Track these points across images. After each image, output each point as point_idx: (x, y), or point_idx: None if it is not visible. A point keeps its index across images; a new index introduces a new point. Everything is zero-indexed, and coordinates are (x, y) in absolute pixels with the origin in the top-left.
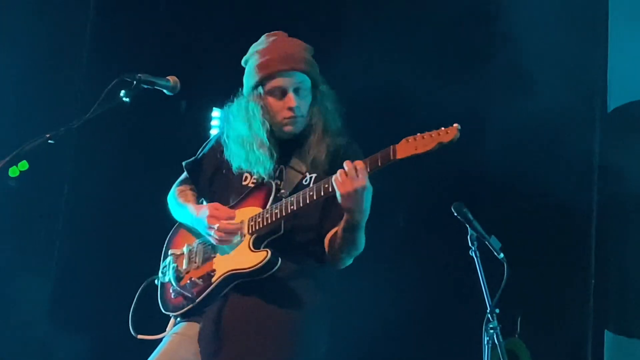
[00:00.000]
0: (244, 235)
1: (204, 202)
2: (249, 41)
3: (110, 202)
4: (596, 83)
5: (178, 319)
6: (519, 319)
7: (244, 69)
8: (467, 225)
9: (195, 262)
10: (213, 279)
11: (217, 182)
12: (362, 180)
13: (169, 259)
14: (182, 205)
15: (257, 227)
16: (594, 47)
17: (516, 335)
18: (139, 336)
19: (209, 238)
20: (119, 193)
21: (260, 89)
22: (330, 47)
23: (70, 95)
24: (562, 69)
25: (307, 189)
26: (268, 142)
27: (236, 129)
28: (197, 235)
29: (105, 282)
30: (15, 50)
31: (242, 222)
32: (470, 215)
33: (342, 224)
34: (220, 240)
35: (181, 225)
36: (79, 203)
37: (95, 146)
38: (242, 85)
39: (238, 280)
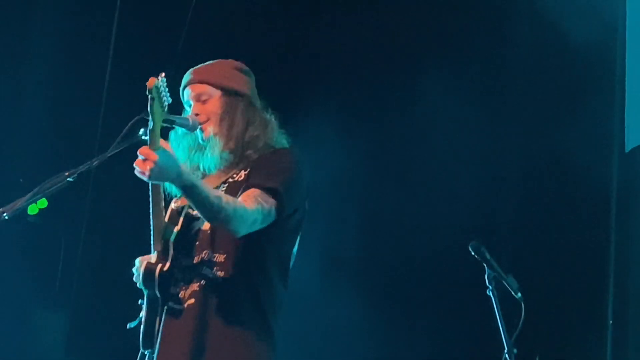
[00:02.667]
0: None
1: None
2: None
3: (128, 239)
4: (614, 122)
5: None
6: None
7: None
8: (485, 265)
9: None
10: None
11: None
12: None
13: None
14: None
15: None
16: (612, 86)
17: None
18: None
19: None
20: (137, 230)
21: None
22: None
23: (89, 134)
24: (580, 107)
25: None
26: None
27: None
28: None
29: (122, 318)
30: (36, 88)
31: None
32: (487, 255)
33: None
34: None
35: None
36: (97, 239)
37: (113, 183)
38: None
39: None
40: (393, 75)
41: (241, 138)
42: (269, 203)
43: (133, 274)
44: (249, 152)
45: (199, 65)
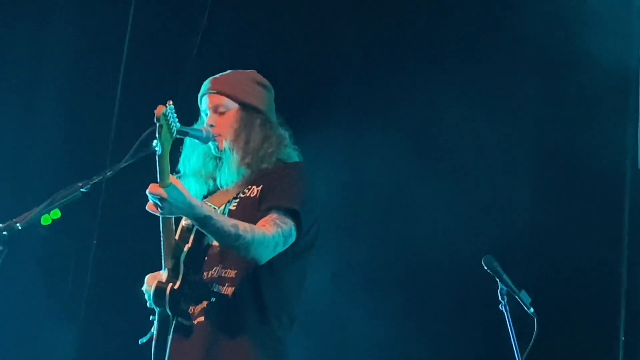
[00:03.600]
0: None
1: None
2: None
3: (139, 252)
4: (627, 137)
5: None
6: None
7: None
8: (497, 280)
9: None
10: None
11: None
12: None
13: None
14: None
15: None
16: (625, 101)
17: None
18: None
19: None
20: (148, 243)
21: None
22: None
23: (101, 145)
24: (593, 125)
25: None
26: None
27: None
28: None
29: (133, 333)
30: (49, 100)
31: None
32: (500, 269)
33: None
34: None
35: None
36: (108, 252)
37: (124, 195)
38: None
39: None
40: (406, 83)
41: (257, 153)
42: (288, 224)
43: (143, 293)
44: (262, 166)
45: (219, 75)
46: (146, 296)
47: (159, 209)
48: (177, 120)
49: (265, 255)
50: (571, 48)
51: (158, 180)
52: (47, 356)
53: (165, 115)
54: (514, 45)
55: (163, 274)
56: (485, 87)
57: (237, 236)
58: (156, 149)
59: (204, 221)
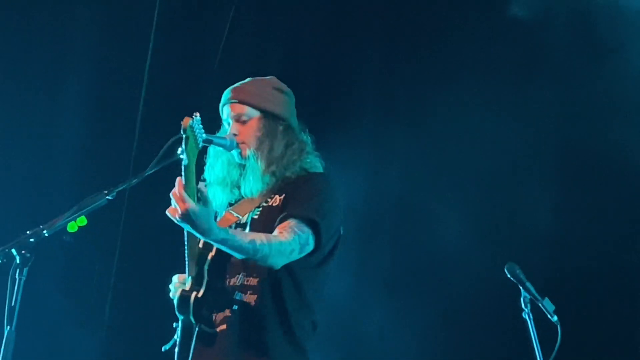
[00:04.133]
0: None
1: None
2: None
3: (162, 259)
4: None
5: None
6: None
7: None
8: (520, 287)
9: None
10: None
11: None
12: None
13: None
14: None
15: None
16: None
17: None
18: None
19: None
20: (171, 249)
21: None
22: None
23: (124, 153)
24: (615, 129)
25: None
26: None
27: None
28: None
29: (156, 339)
30: (72, 108)
31: None
32: (523, 277)
33: None
34: None
35: None
36: (131, 259)
37: (148, 202)
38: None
39: None
40: (428, 91)
41: (280, 160)
42: (306, 233)
43: (170, 290)
44: (287, 174)
45: (240, 83)
46: (171, 293)
47: (179, 215)
48: (203, 130)
49: (281, 262)
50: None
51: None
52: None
53: (191, 126)
54: (532, 49)
55: (187, 282)
56: (505, 94)
57: (255, 251)
58: (181, 157)
59: (220, 243)
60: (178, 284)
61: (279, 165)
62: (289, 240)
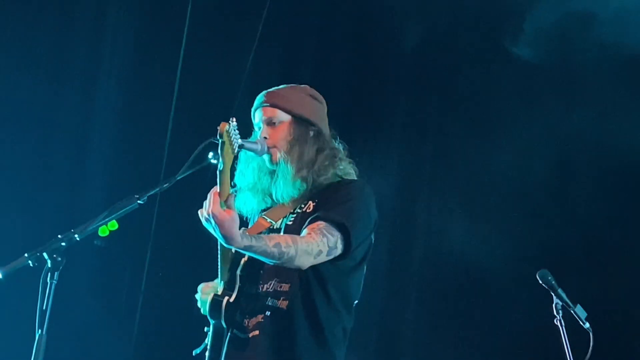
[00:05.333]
0: None
1: None
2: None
3: (192, 264)
4: None
5: None
6: None
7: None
8: (552, 294)
9: None
10: None
11: None
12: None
13: None
14: None
15: None
16: None
17: None
18: None
19: None
20: (201, 254)
21: None
22: None
23: (157, 157)
24: None
25: None
26: None
27: None
28: None
29: (187, 343)
30: (104, 115)
31: None
32: (555, 284)
33: None
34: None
35: None
36: (162, 264)
37: (179, 207)
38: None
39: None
40: (457, 92)
41: (312, 166)
42: (335, 236)
43: (196, 300)
44: (319, 180)
45: (274, 88)
46: (199, 304)
47: (204, 220)
48: (239, 136)
49: (307, 262)
50: None
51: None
52: None
53: (227, 132)
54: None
55: (219, 287)
56: (541, 88)
57: (281, 255)
58: (212, 161)
59: (246, 250)
60: (204, 295)
61: (310, 171)
62: (316, 242)
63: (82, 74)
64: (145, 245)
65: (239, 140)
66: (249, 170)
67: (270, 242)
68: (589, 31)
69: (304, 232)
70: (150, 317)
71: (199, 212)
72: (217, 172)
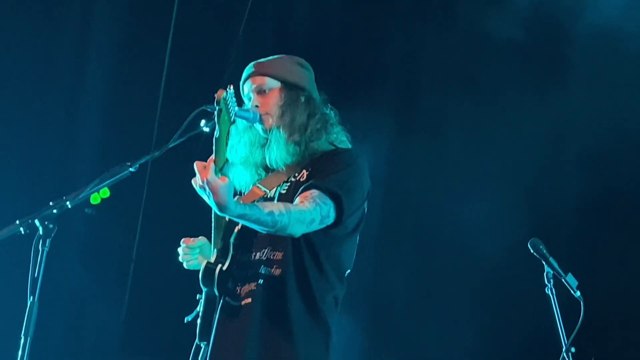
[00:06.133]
0: None
1: None
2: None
3: (184, 232)
4: None
5: None
6: None
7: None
8: (544, 263)
9: None
10: None
11: None
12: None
13: None
14: None
15: None
16: None
17: None
18: None
19: None
20: (193, 223)
21: None
22: None
23: (146, 126)
24: None
25: None
26: None
27: None
28: None
29: (178, 312)
30: (95, 83)
31: None
32: (546, 252)
33: None
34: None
35: None
36: (153, 233)
37: (170, 175)
38: None
39: None
40: (451, 69)
41: (304, 131)
42: (327, 205)
43: (178, 254)
44: (312, 144)
45: (260, 59)
46: (180, 258)
47: (198, 188)
48: (236, 104)
49: (300, 230)
50: None
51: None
52: (94, 337)
53: (225, 99)
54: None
55: (211, 254)
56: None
57: (274, 223)
58: (204, 129)
59: (240, 218)
60: (186, 248)
61: (302, 135)
62: (309, 209)
63: (73, 41)
64: (136, 213)
65: (236, 108)
66: (240, 144)
67: (264, 210)
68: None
69: (297, 200)
70: (142, 285)
71: (193, 180)
72: (213, 140)
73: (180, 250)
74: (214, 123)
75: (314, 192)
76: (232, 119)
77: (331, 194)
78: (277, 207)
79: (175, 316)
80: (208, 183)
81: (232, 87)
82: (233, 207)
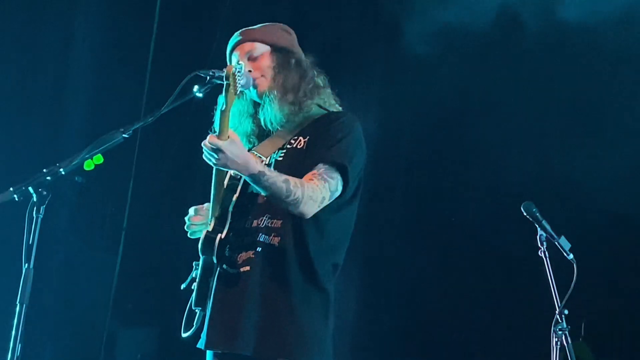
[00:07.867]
0: None
1: None
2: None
3: (175, 200)
4: None
5: None
6: (583, 323)
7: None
8: (537, 225)
9: None
10: None
11: None
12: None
13: None
14: None
15: None
16: None
17: (580, 339)
18: None
19: None
20: (184, 188)
21: None
22: None
23: (135, 93)
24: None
25: None
26: None
27: None
28: None
29: (169, 280)
30: (88, 50)
31: None
32: (539, 215)
33: None
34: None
35: None
36: (144, 201)
37: (161, 141)
38: None
39: None
40: (441, 29)
41: (297, 91)
42: (335, 178)
43: (185, 223)
44: (305, 106)
45: (245, 28)
46: (186, 226)
47: (213, 160)
48: (243, 79)
49: (312, 210)
50: None
51: (217, 134)
52: (85, 302)
53: (234, 74)
54: None
55: (209, 221)
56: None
57: (289, 192)
58: (197, 94)
59: (257, 177)
60: (195, 217)
61: (295, 95)
62: (319, 188)
63: (61, 8)
64: (127, 180)
65: (242, 81)
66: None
67: (280, 177)
68: None
69: (305, 178)
70: (133, 254)
71: (203, 157)
72: (219, 112)
73: (188, 219)
74: (207, 89)
75: (321, 168)
76: (237, 93)
77: (337, 165)
78: (292, 179)
79: (165, 282)
80: (223, 149)
81: (242, 62)
82: (254, 162)
